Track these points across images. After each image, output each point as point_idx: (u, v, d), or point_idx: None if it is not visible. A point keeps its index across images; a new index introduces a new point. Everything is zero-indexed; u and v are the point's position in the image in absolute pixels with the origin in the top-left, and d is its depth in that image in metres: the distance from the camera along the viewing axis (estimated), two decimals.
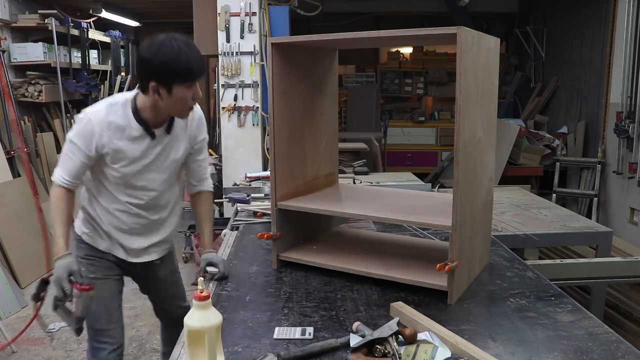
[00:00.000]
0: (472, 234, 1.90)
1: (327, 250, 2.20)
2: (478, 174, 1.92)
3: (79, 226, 2.07)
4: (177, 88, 1.76)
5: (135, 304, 3.97)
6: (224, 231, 2.79)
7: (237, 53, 4.61)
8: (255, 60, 4.63)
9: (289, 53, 2.12)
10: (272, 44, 2.04)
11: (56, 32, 5.30)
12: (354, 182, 2.55)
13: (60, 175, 1.88)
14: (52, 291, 1.77)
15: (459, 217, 1.73)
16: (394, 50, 8.50)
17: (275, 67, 2.06)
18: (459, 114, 1.69)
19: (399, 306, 1.69)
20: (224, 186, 4.47)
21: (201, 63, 1.80)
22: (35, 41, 5.36)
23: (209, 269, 2.05)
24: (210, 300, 1.29)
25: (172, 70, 1.73)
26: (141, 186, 1.97)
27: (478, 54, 1.80)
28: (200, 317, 1.28)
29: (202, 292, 1.27)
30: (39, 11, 5.33)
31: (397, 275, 1.90)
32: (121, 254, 2.06)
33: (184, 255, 5.08)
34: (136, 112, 1.87)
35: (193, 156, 2.09)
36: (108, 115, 1.85)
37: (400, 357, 1.39)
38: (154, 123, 1.90)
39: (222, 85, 4.69)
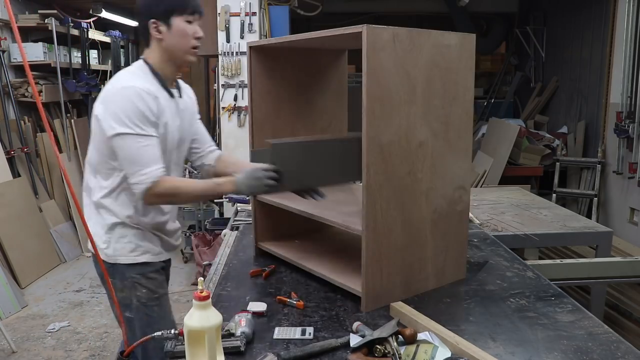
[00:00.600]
0: (411, 244, 1.80)
1: (305, 245, 2.23)
2: (421, 181, 1.78)
3: (117, 250, 1.81)
4: (175, 21, 1.76)
5: None
6: (224, 231, 2.79)
7: (237, 53, 4.61)
8: None
9: (273, 54, 2.17)
10: (250, 47, 2.14)
11: (56, 32, 5.30)
12: (354, 182, 2.57)
13: (151, 169, 1.66)
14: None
15: (370, 222, 1.67)
16: None
17: (256, 68, 2.15)
18: (365, 116, 1.60)
19: (399, 306, 1.68)
20: None
21: None
22: (35, 41, 5.36)
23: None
24: (210, 300, 1.29)
25: (168, 3, 1.75)
26: (175, 159, 1.89)
27: (411, 53, 1.67)
28: (200, 317, 1.27)
29: (202, 292, 1.27)
30: (39, 11, 5.33)
31: (324, 272, 1.93)
32: (164, 251, 1.94)
33: (184, 256, 5.09)
34: (155, 72, 1.79)
35: (196, 124, 2.05)
36: (141, 82, 1.72)
37: (400, 357, 1.39)
38: (169, 80, 1.83)
39: (222, 85, 4.69)
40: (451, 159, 1.87)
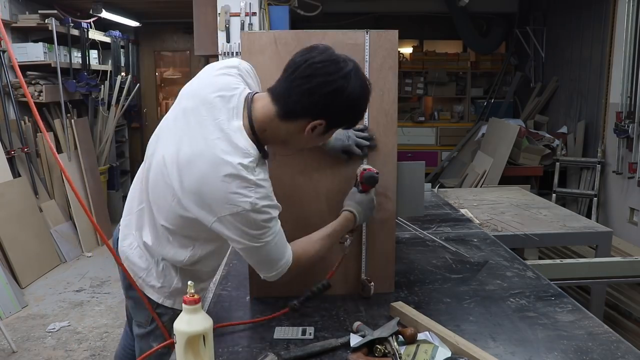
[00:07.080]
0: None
1: None
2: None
3: (174, 295, 1.65)
4: (333, 131, 1.44)
5: None
6: None
7: (237, 53, 4.60)
8: None
9: None
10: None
11: (56, 32, 5.29)
12: None
13: (285, 260, 1.48)
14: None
15: None
16: None
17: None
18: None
19: (399, 306, 1.69)
20: None
21: None
22: (36, 41, 5.36)
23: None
24: (200, 304, 1.28)
25: (355, 113, 1.41)
26: None
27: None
28: (190, 321, 1.27)
29: (192, 296, 1.26)
30: (39, 11, 5.33)
31: None
32: None
33: None
34: (255, 134, 1.39)
35: None
36: (266, 186, 1.37)
37: (400, 357, 1.39)
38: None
39: None
40: (369, 163, 1.77)
